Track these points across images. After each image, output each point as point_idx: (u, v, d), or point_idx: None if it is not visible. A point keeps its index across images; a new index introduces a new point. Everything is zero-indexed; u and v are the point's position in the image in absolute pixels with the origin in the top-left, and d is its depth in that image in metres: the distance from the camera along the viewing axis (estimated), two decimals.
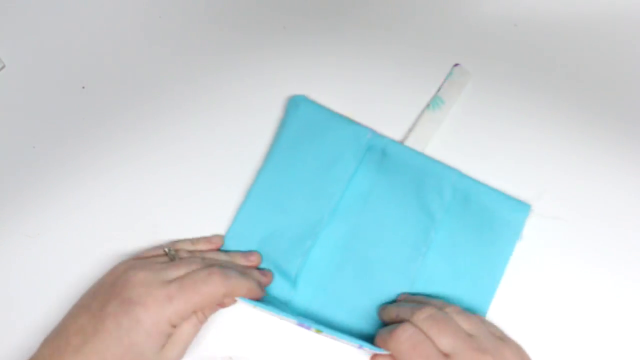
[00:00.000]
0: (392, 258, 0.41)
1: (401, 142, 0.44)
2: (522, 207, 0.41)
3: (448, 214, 0.42)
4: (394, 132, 0.44)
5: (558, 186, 0.43)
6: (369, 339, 0.39)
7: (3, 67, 0.48)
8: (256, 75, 0.47)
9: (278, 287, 0.42)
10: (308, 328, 0.38)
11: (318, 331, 0.38)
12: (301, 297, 0.42)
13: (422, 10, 0.47)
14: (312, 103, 0.44)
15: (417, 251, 0.41)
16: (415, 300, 0.40)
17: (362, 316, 0.41)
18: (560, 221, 0.42)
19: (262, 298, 0.40)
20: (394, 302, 0.41)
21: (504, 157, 0.44)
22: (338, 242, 0.42)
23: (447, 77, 0.45)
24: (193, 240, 0.43)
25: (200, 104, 0.46)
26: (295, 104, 0.44)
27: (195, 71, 0.47)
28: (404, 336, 0.36)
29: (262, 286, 0.41)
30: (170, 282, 0.37)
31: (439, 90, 0.45)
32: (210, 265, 0.39)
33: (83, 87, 0.47)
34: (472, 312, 0.39)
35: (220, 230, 0.44)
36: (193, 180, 0.45)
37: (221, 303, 0.39)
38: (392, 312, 0.39)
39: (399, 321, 0.38)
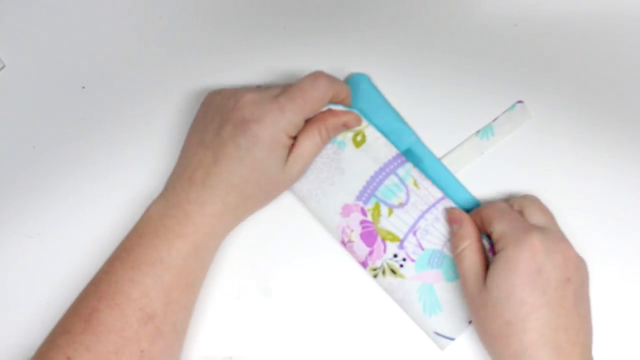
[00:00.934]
0: None
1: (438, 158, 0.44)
2: None
3: None
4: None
5: (558, 186, 0.43)
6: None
7: (3, 67, 0.48)
8: (256, 75, 0.47)
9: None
10: (402, 163, 0.41)
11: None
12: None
13: (421, 10, 0.47)
14: (372, 85, 0.44)
15: None
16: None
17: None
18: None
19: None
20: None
21: (503, 157, 0.44)
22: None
23: (506, 110, 0.44)
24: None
25: (199, 103, 0.46)
26: (356, 81, 0.44)
27: (195, 71, 0.47)
28: (500, 202, 0.38)
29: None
30: (278, 95, 0.38)
31: (494, 120, 0.44)
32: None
33: (83, 87, 0.47)
34: None
35: None
36: None
37: (346, 123, 0.40)
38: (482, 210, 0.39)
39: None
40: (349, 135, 0.42)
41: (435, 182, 0.42)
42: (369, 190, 0.42)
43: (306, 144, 0.39)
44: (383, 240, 0.41)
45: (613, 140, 0.44)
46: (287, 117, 0.37)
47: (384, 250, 0.41)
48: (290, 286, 0.42)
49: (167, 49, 0.48)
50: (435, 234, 0.41)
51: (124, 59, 0.48)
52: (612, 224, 0.43)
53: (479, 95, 0.45)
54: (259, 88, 0.40)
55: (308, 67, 0.46)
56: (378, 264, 0.41)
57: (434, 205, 0.42)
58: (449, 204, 0.42)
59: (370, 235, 0.42)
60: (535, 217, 0.38)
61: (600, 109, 0.45)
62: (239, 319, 0.42)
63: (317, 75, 0.38)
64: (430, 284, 0.41)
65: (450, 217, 0.41)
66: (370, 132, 0.43)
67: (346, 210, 0.42)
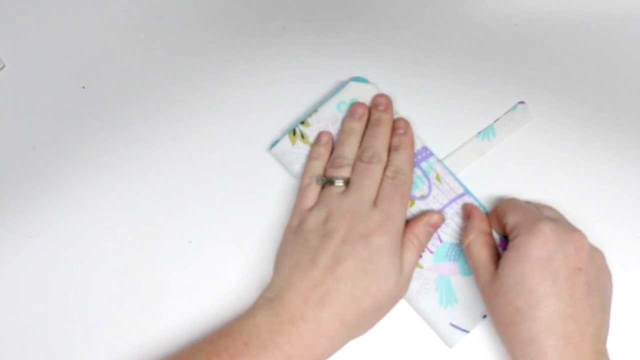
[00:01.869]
0: None
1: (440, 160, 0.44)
2: None
3: None
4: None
5: (559, 186, 0.43)
6: None
7: (3, 67, 0.48)
8: (256, 75, 0.47)
9: None
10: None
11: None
12: None
13: (421, 10, 0.47)
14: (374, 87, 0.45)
15: None
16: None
17: None
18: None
19: None
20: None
21: (504, 158, 0.44)
22: None
23: (508, 111, 0.44)
24: (314, 156, 0.43)
25: (200, 103, 0.46)
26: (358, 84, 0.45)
27: (195, 71, 0.47)
28: (551, 236, 0.35)
29: None
30: (373, 203, 0.39)
31: (495, 121, 0.44)
32: (377, 160, 0.41)
33: (83, 87, 0.47)
34: None
35: (224, 229, 0.44)
36: (193, 180, 0.45)
37: (433, 224, 0.41)
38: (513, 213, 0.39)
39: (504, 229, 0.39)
40: None
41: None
42: None
43: (407, 257, 0.39)
44: None
45: (614, 140, 0.44)
46: (396, 220, 0.39)
47: None
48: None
49: (167, 49, 0.48)
50: (454, 227, 0.42)
51: (124, 59, 0.48)
52: (613, 224, 0.43)
53: (479, 96, 0.45)
54: (344, 198, 0.40)
55: (308, 67, 0.47)
56: None
57: (454, 199, 0.43)
58: (470, 200, 0.42)
59: None
60: (549, 212, 0.39)
61: (601, 109, 0.45)
62: None
63: (397, 169, 0.41)
64: (447, 277, 0.41)
65: (464, 212, 0.42)
66: None
67: None
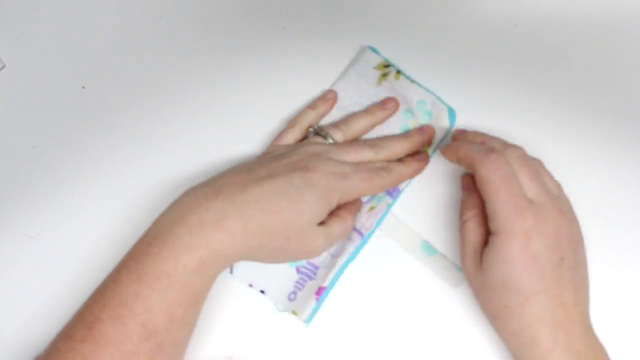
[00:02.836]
0: None
1: None
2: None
3: None
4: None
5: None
6: None
7: (3, 67, 0.48)
8: (256, 75, 0.47)
9: None
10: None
11: None
12: None
13: (421, 10, 0.47)
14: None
15: None
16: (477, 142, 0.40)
17: None
18: None
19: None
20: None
21: None
22: None
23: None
24: (312, 106, 0.43)
25: (200, 103, 0.46)
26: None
27: (195, 71, 0.47)
28: (497, 164, 0.35)
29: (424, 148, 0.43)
30: (343, 163, 0.38)
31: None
32: (375, 150, 0.40)
33: (83, 87, 0.47)
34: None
35: None
36: (193, 180, 0.45)
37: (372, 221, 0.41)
38: (465, 150, 0.37)
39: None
40: None
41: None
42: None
43: (336, 226, 0.39)
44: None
45: (614, 139, 0.44)
46: (346, 182, 0.38)
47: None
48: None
49: (167, 49, 0.48)
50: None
51: (124, 59, 0.48)
52: (613, 224, 0.43)
53: (480, 96, 0.45)
54: (327, 145, 0.40)
55: (308, 67, 0.47)
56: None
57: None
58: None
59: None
60: (528, 186, 0.36)
61: (601, 108, 0.45)
62: (239, 319, 0.42)
63: (385, 168, 0.40)
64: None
65: (462, 183, 0.41)
66: None
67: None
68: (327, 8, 0.48)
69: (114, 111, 0.47)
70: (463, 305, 0.41)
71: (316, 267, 0.42)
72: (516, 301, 0.34)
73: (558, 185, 0.38)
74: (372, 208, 0.43)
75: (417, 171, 0.43)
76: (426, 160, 0.43)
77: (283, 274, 0.42)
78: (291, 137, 0.42)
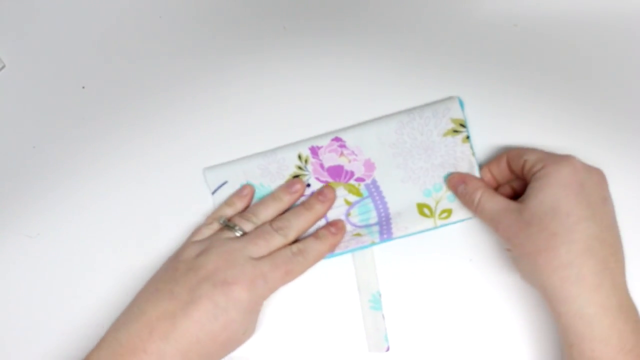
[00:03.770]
0: None
1: None
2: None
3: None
4: None
5: None
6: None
7: (3, 67, 0.48)
8: (256, 75, 0.47)
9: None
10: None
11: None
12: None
13: (421, 10, 0.47)
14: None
15: None
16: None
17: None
18: None
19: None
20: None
21: None
22: None
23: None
24: (228, 202, 0.43)
25: (199, 103, 0.46)
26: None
27: (195, 71, 0.47)
28: (580, 166, 0.36)
29: (336, 240, 0.42)
30: (258, 260, 0.38)
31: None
32: (283, 234, 0.40)
33: (83, 87, 0.47)
34: None
35: None
36: (194, 179, 0.45)
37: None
38: (533, 154, 0.38)
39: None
40: None
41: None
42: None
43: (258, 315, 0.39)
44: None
45: (614, 139, 0.44)
46: (269, 285, 0.38)
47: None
48: (290, 286, 0.42)
49: (167, 49, 0.48)
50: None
51: (124, 59, 0.48)
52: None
53: (479, 95, 0.45)
54: (236, 241, 0.39)
55: (308, 67, 0.47)
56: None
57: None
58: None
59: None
60: None
61: (601, 108, 0.45)
62: None
63: (299, 251, 0.40)
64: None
65: (452, 183, 0.41)
66: None
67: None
68: (327, 8, 0.48)
69: (114, 111, 0.47)
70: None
71: None
72: (565, 225, 0.34)
73: None
74: (358, 235, 0.42)
75: (333, 245, 0.42)
76: (342, 231, 0.43)
77: None
78: (208, 233, 0.42)
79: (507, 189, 0.41)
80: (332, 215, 0.43)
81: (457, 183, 0.41)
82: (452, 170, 0.43)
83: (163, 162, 0.45)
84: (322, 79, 0.46)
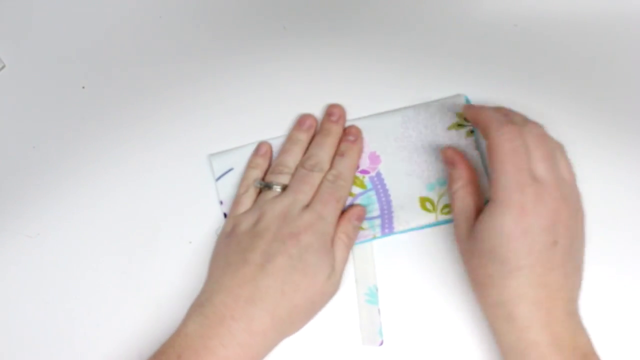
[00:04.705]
0: None
1: None
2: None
3: None
4: None
5: None
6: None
7: (3, 67, 0.48)
8: (256, 75, 0.47)
9: None
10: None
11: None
12: None
13: (421, 10, 0.47)
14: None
15: None
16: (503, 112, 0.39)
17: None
18: None
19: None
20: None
21: None
22: None
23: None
24: (253, 165, 0.44)
25: (199, 103, 0.46)
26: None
27: (194, 71, 0.47)
28: (511, 134, 0.35)
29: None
30: (311, 206, 0.40)
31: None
32: (319, 169, 0.41)
33: (83, 87, 0.47)
34: None
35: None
36: (194, 179, 0.45)
37: (358, 218, 0.42)
38: (486, 114, 0.37)
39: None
40: None
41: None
42: None
43: (338, 254, 0.40)
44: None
45: (615, 139, 0.44)
46: (328, 222, 0.39)
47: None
48: None
49: (167, 49, 0.48)
50: None
51: (124, 59, 0.48)
52: (613, 224, 0.42)
53: (479, 96, 0.45)
54: (280, 197, 0.40)
55: (308, 67, 0.47)
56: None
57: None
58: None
59: None
60: (537, 164, 0.35)
61: (602, 108, 0.45)
62: None
63: (338, 174, 0.41)
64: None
65: (445, 158, 0.41)
66: None
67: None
68: (327, 8, 0.48)
69: (114, 111, 0.47)
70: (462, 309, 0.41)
71: None
72: (500, 272, 0.34)
73: (571, 173, 0.37)
74: (360, 228, 0.43)
75: (360, 150, 0.43)
76: (359, 135, 0.44)
77: None
78: (249, 201, 0.42)
79: None
80: None
81: (446, 161, 0.41)
82: None
83: (163, 162, 0.45)
84: (321, 79, 0.46)
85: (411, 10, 0.47)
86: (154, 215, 0.44)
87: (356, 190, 0.43)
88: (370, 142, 0.44)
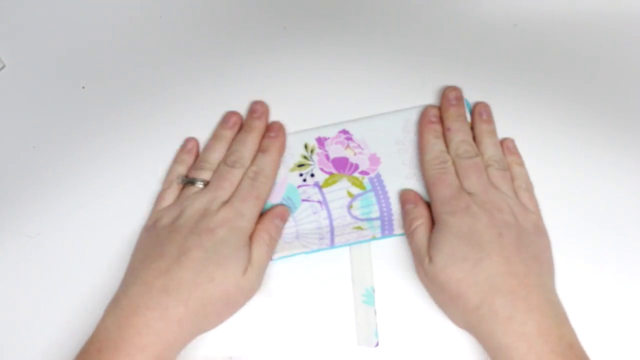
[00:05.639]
0: None
1: None
2: None
3: None
4: None
5: (558, 187, 0.43)
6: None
7: (3, 67, 0.48)
8: (256, 75, 0.47)
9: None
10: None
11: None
12: None
13: (421, 10, 0.47)
14: None
15: None
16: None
17: None
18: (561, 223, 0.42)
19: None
20: None
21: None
22: None
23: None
24: (178, 161, 0.44)
25: (199, 103, 0.46)
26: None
27: (195, 71, 0.47)
28: (436, 161, 0.40)
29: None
30: (230, 202, 0.40)
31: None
32: (240, 165, 0.42)
33: (83, 87, 0.47)
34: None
35: None
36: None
37: (281, 217, 0.42)
38: (425, 138, 0.42)
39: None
40: None
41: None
42: None
43: (257, 252, 0.40)
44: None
45: (615, 139, 0.44)
46: (245, 217, 0.40)
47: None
48: (290, 286, 0.43)
49: (167, 49, 0.48)
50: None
51: (124, 59, 0.48)
52: (613, 223, 0.43)
53: (479, 96, 0.45)
54: (201, 193, 0.41)
55: (308, 67, 0.47)
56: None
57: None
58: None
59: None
60: (467, 180, 0.40)
61: (602, 108, 0.45)
62: (239, 319, 0.42)
63: (258, 170, 0.42)
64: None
65: (405, 198, 0.42)
66: None
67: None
68: (327, 8, 0.48)
69: (114, 111, 0.47)
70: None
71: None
72: (466, 269, 0.36)
73: (510, 183, 0.41)
74: (359, 228, 0.43)
75: (282, 146, 0.44)
76: (281, 131, 0.44)
77: None
78: (171, 196, 0.43)
79: None
80: (334, 207, 0.43)
81: (407, 201, 0.42)
82: None
83: (163, 162, 0.45)
84: (321, 79, 0.46)
85: (411, 11, 0.47)
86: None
87: (355, 190, 0.43)
88: (371, 144, 0.44)
